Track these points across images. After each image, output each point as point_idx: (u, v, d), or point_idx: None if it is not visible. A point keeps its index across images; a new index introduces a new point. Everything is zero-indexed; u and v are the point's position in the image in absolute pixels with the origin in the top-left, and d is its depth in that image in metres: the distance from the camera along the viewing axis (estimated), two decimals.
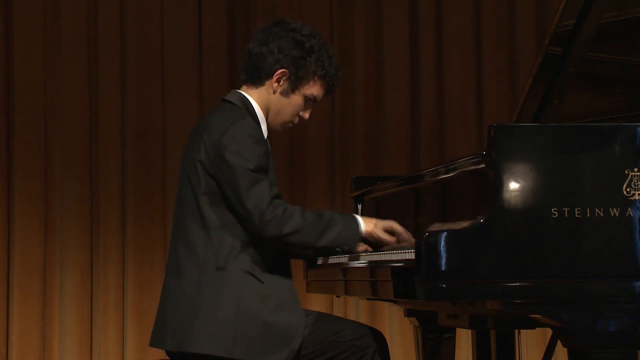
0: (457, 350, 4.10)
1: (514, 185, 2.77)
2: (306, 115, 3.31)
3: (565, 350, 2.85)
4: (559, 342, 2.96)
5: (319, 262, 3.63)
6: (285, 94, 3.25)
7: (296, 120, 3.31)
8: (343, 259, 3.45)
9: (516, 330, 3.73)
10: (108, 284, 6.06)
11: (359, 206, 4.06)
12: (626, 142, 2.81)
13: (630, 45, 3.63)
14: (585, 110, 3.78)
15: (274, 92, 3.24)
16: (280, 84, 3.24)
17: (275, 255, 3.21)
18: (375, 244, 3.28)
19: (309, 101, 3.28)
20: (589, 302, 2.76)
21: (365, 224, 3.23)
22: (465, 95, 6.30)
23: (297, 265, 3.98)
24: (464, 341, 5.60)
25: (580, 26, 3.45)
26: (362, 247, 3.27)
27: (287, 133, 6.22)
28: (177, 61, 6.17)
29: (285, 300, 3.15)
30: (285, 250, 3.24)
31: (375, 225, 3.24)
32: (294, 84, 3.24)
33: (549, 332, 3.20)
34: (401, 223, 3.36)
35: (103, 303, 6.04)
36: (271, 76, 3.23)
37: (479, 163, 2.92)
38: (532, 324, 3.08)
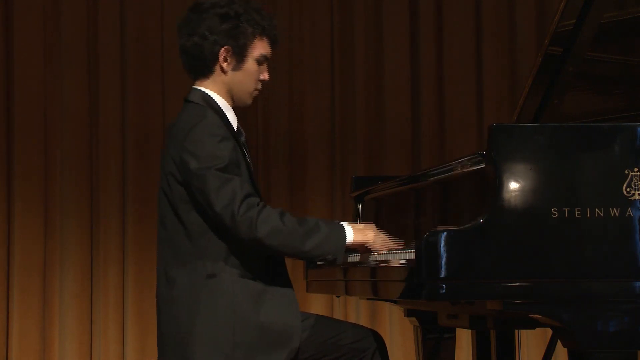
0: (457, 350, 4.10)
1: (514, 186, 2.77)
2: (265, 75, 3.25)
3: (565, 350, 2.85)
4: (559, 342, 2.96)
5: (319, 262, 3.63)
6: (237, 68, 3.20)
7: (259, 85, 3.26)
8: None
9: (516, 330, 3.73)
10: (108, 284, 6.06)
11: (359, 206, 4.06)
12: (626, 142, 2.82)
13: (630, 45, 3.63)
14: (585, 110, 3.78)
15: (225, 72, 3.20)
16: (228, 61, 3.19)
17: (265, 256, 3.16)
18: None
19: (261, 62, 3.23)
20: (589, 302, 2.76)
21: (354, 234, 3.12)
22: (465, 95, 6.30)
23: (297, 266, 3.99)
24: (464, 341, 5.60)
25: (580, 26, 3.45)
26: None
27: (287, 133, 6.22)
28: (177, 61, 6.09)
29: (280, 300, 3.12)
30: (268, 253, 3.14)
31: (365, 235, 3.13)
32: (240, 55, 3.19)
33: (549, 332, 3.20)
34: (401, 223, 3.35)
35: (103, 303, 6.04)
36: (217, 59, 3.19)
37: (479, 163, 2.92)
38: (532, 324, 3.08)
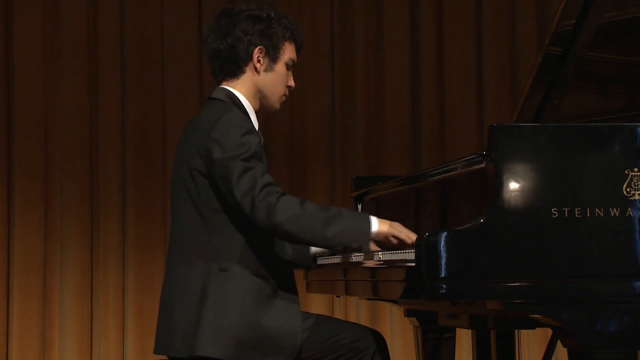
0: (457, 350, 4.10)
1: (514, 185, 2.77)
2: (292, 82, 3.29)
3: (565, 350, 2.85)
4: (559, 342, 2.96)
5: (319, 262, 3.63)
6: (269, 68, 3.23)
7: (287, 91, 3.29)
8: (345, 258, 3.44)
9: (516, 330, 3.73)
10: (108, 284, 6.06)
11: (359, 206, 4.06)
12: (626, 142, 2.82)
13: (630, 45, 3.63)
14: (585, 110, 3.78)
15: (258, 72, 3.22)
16: (262, 62, 3.22)
17: (277, 259, 3.18)
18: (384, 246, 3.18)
19: (289, 67, 3.27)
20: (589, 302, 2.76)
21: (379, 224, 3.08)
22: (465, 95, 6.30)
23: None
24: (464, 341, 5.61)
25: (580, 26, 3.45)
26: (373, 246, 3.21)
27: (287, 133, 6.22)
28: (177, 61, 6.17)
29: (286, 307, 3.13)
30: (288, 241, 3.14)
31: (391, 225, 3.09)
32: (274, 55, 3.23)
33: (549, 332, 3.20)
34: (401, 223, 3.35)
35: (103, 303, 6.04)
36: (250, 59, 3.21)
37: (479, 163, 2.92)
38: (532, 324, 3.08)
